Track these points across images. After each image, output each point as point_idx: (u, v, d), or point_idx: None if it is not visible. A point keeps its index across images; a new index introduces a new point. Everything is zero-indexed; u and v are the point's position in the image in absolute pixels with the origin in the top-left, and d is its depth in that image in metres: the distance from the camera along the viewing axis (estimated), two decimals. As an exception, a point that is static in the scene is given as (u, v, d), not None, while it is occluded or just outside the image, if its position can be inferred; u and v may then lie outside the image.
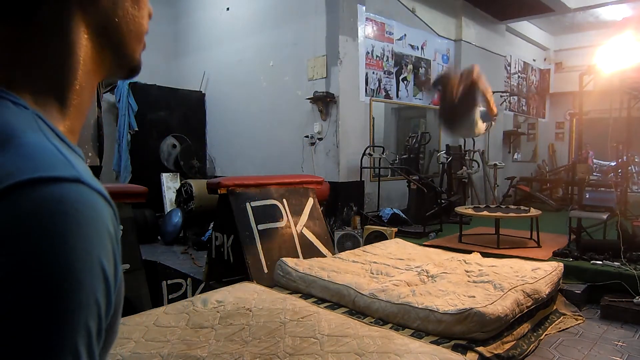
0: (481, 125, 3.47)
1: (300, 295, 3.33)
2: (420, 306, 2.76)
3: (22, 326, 0.30)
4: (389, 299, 2.90)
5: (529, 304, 3.01)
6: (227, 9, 7.50)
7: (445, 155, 6.84)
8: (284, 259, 3.64)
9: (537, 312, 3.20)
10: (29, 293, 0.30)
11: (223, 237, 4.05)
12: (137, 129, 6.76)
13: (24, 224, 0.32)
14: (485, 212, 4.99)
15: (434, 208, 5.96)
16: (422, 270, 3.62)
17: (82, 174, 0.36)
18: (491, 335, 2.65)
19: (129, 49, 0.49)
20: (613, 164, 8.56)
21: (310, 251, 4.25)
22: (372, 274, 3.52)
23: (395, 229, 5.00)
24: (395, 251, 4.20)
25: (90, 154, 3.94)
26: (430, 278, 3.38)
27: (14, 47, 0.42)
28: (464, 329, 2.60)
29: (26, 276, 0.30)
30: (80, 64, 0.44)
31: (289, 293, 3.33)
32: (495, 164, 7.75)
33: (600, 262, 3.94)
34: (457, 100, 3.06)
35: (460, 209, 5.22)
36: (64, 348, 0.31)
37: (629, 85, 6.87)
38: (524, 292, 3.02)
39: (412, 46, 7.05)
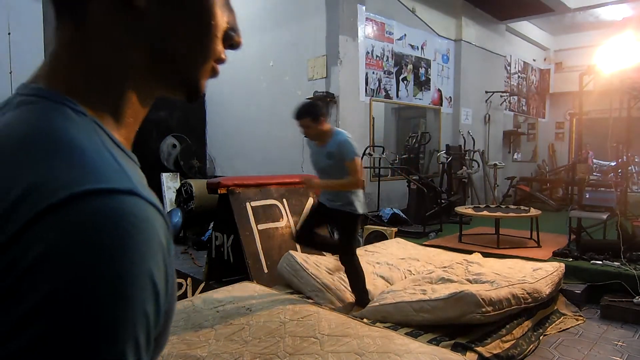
0: None
1: (300, 295, 3.33)
2: (414, 299, 2.79)
3: (72, 339, 0.30)
4: (385, 301, 2.90)
5: (528, 300, 3.02)
6: None
7: (445, 155, 6.84)
8: (292, 252, 3.61)
9: (538, 311, 3.20)
10: (80, 307, 0.31)
11: (223, 237, 4.05)
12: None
13: (76, 237, 0.32)
14: (485, 212, 4.99)
15: (434, 208, 5.96)
16: (422, 270, 3.63)
17: (137, 185, 0.36)
18: (489, 320, 2.65)
19: (183, 70, 0.47)
20: (613, 164, 8.56)
21: (310, 251, 4.25)
22: (373, 274, 3.51)
23: (395, 229, 5.00)
24: (396, 251, 4.20)
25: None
26: (430, 278, 3.38)
27: (71, 52, 0.42)
28: (458, 312, 2.61)
29: (77, 290, 0.31)
30: (131, 75, 0.44)
31: (289, 292, 3.33)
32: (495, 164, 7.75)
33: (600, 262, 3.94)
34: None
35: (460, 209, 5.22)
36: None
37: (629, 85, 6.87)
38: (522, 288, 3.02)
39: (412, 46, 7.05)
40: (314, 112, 2.96)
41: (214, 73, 0.50)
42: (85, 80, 0.42)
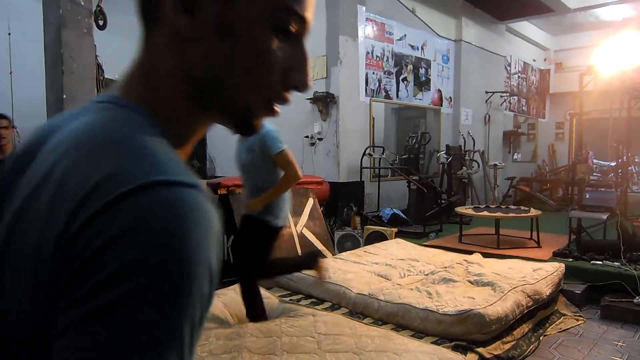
0: None
1: (300, 295, 3.33)
2: (420, 306, 2.76)
3: (142, 310, 0.34)
4: (388, 299, 2.90)
5: (530, 304, 3.01)
6: None
7: (445, 156, 6.84)
8: None
9: (538, 312, 3.20)
10: (151, 283, 0.34)
11: (223, 237, 4.04)
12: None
13: (148, 221, 0.36)
14: (485, 212, 4.99)
15: (434, 208, 5.95)
16: (423, 270, 3.62)
17: (198, 182, 0.41)
18: (490, 336, 2.65)
19: (227, 99, 0.49)
20: (613, 164, 8.55)
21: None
22: (373, 274, 3.51)
23: (395, 229, 5.00)
24: (396, 251, 4.20)
25: (90, 154, 3.94)
26: (430, 279, 3.37)
27: (142, 71, 0.49)
28: (463, 330, 2.60)
29: (148, 269, 0.34)
30: (184, 99, 0.48)
31: (288, 294, 3.33)
32: (495, 164, 7.75)
33: (600, 262, 3.94)
34: None
35: (460, 209, 5.22)
36: (175, 333, 0.35)
37: (629, 86, 6.87)
38: (524, 292, 3.02)
39: (412, 46, 7.05)
40: None
41: (270, 111, 0.51)
42: (153, 96, 0.47)
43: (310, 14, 0.50)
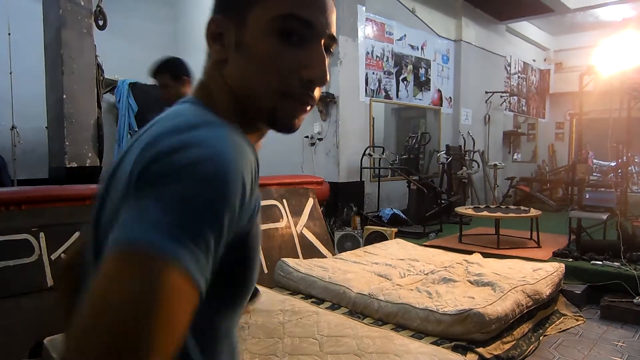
0: None
1: (300, 295, 3.33)
2: (420, 306, 2.76)
3: (193, 195, 0.45)
4: (389, 299, 2.90)
5: (529, 304, 3.01)
6: None
7: (445, 156, 6.84)
8: (284, 259, 3.64)
9: (538, 312, 3.20)
10: (199, 174, 0.46)
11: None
12: (137, 129, 6.75)
13: (190, 143, 0.48)
14: (485, 213, 4.99)
15: (434, 208, 5.95)
16: (422, 270, 3.62)
17: (241, 135, 0.54)
18: (490, 336, 2.65)
19: (254, 102, 0.59)
20: (613, 164, 8.55)
21: (310, 251, 4.26)
22: (373, 274, 3.51)
23: (395, 229, 5.00)
24: (396, 251, 4.20)
25: (90, 154, 3.93)
26: (430, 279, 3.37)
27: (205, 80, 0.65)
28: (463, 330, 2.60)
29: (198, 166, 0.46)
30: (227, 106, 0.61)
31: (289, 293, 3.33)
32: (495, 164, 7.75)
33: (600, 263, 3.94)
34: None
35: (460, 209, 5.22)
36: (206, 221, 0.45)
37: (629, 86, 6.87)
38: (524, 292, 3.02)
39: (412, 46, 7.05)
40: (175, 69, 2.40)
41: (297, 108, 0.60)
42: (209, 99, 0.61)
43: (317, 17, 0.58)
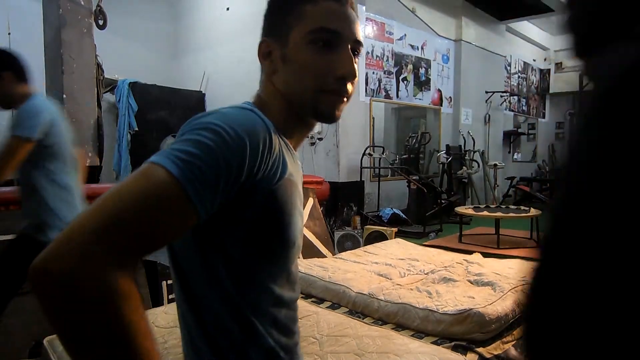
0: None
1: (300, 295, 3.33)
2: (420, 306, 2.76)
3: (198, 138, 0.60)
4: (388, 298, 2.90)
5: (529, 304, 3.01)
6: (227, 9, 7.49)
7: (445, 155, 6.84)
8: None
9: (537, 312, 3.19)
10: (213, 127, 0.61)
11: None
12: (137, 129, 6.75)
13: (222, 113, 0.66)
14: (485, 212, 4.99)
15: (434, 208, 5.96)
16: (423, 270, 3.63)
17: (260, 113, 0.69)
18: (490, 336, 2.65)
19: (298, 99, 0.74)
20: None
21: (310, 251, 4.26)
22: (373, 274, 3.51)
23: (395, 229, 5.00)
24: (396, 251, 4.20)
25: (90, 154, 3.93)
26: (430, 278, 3.38)
27: (262, 86, 0.82)
28: (463, 330, 2.60)
29: (214, 123, 0.62)
30: (279, 109, 0.77)
31: (288, 293, 3.32)
32: (495, 164, 7.75)
33: (600, 262, 3.93)
34: None
35: (460, 209, 5.22)
36: (210, 159, 0.59)
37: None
38: (524, 292, 3.01)
39: (412, 46, 7.05)
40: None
41: (335, 100, 0.75)
42: (264, 105, 0.76)
43: (343, 27, 0.72)
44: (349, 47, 0.73)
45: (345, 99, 0.76)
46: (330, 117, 0.75)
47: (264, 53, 0.77)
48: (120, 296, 0.50)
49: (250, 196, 0.64)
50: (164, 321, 2.40)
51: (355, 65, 0.74)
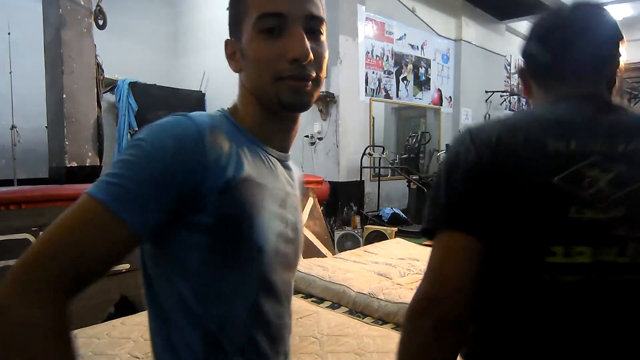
0: None
1: (300, 295, 3.33)
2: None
3: (124, 157, 0.61)
4: (389, 298, 2.90)
5: (529, 303, 3.01)
6: (227, 9, 7.49)
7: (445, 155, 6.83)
8: None
9: (537, 311, 3.19)
10: (140, 145, 0.61)
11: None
12: (137, 129, 6.75)
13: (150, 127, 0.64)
14: (485, 212, 4.98)
15: (434, 208, 5.94)
16: (423, 270, 3.62)
17: (201, 119, 0.65)
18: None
19: (259, 89, 0.71)
20: (613, 163, 8.54)
21: (310, 251, 4.26)
22: (374, 274, 3.52)
23: (395, 229, 5.00)
24: (396, 251, 4.20)
25: (90, 154, 3.93)
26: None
27: (238, 92, 0.81)
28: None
29: (140, 140, 0.62)
30: (246, 104, 0.75)
31: (289, 293, 3.33)
32: (495, 164, 7.74)
33: (600, 262, 3.93)
34: None
35: (460, 209, 5.21)
36: (134, 173, 0.59)
37: (628, 85, 6.87)
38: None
39: (412, 46, 7.05)
40: None
41: (293, 85, 0.68)
42: (236, 106, 0.78)
43: (285, 7, 0.66)
44: (300, 26, 0.66)
45: (309, 82, 0.68)
46: (295, 105, 0.70)
47: (229, 54, 0.74)
48: (42, 332, 0.50)
49: (195, 200, 0.61)
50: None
51: (311, 44, 0.67)
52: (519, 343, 0.71)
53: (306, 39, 0.66)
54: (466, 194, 0.71)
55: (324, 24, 0.70)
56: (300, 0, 0.67)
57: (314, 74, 0.68)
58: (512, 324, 0.72)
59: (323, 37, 0.71)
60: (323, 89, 5.91)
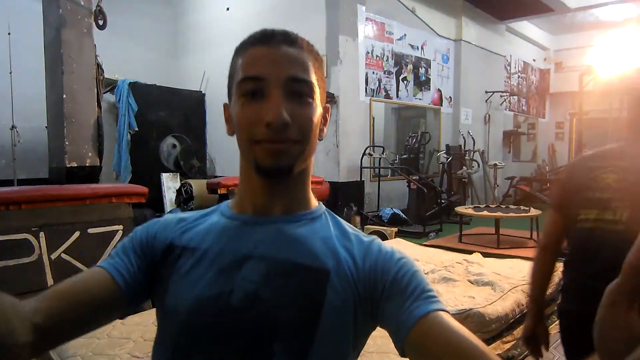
0: None
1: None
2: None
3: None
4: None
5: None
6: (227, 9, 7.50)
7: (445, 155, 6.84)
8: None
9: (537, 312, 3.19)
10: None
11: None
12: (137, 129, 6.75)
13: None
14: (485, 212, 4.99)
15: (434, 208, 5.96)
16: (423, 270, 3.62)
17: (177, 213, 0.79)
18: (490, 335, 2.65)
19: (248, 159, 0.69)
20: (613, 164, 8.54)
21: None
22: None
23: (395, 229, 5.00)
24: (395, 251, 4.19)
25: (90, 154, 3.93)
26: (430, 278, 3.38)
27: None
28: (463, 329, 2.60)
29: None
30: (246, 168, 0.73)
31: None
32: (495, 164, 7.75)
33: (600, 262, 3.95)
34: None
35: (460, 209, 5.21)
36: (119, 246, 0.72)
37: (629, 85, 6.87)
38: (524, 292, 3.02)
39: (412, 46, 7.05)
40: None
41: (268, 149, 0.66)
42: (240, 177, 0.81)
43: (265, 70, 0.65)
44: (280, 90, 0.64)
45: (282, 145, 0.65)
46: (268, 168, 0.66)
47: (226, 118, 0.74)
48: None
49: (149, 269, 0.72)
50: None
51: (292, 107, 0.65)
52: (574, 254, 1.63)
53: (283, 103, 0.64)
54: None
55: (314, 86, 0.67)
56: (283, 63, 0.66)
57: (294, 137, 0.65)
58: (571, 246, 1.64)
59: (312, 100, 0.67)
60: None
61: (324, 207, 0.79)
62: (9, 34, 4.80)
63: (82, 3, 3.79)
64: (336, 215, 0.80)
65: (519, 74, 10.34)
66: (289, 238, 0.69)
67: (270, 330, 0.63)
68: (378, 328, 0.73)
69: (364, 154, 5.92)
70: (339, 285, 0.65)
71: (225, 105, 0.74)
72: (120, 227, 3.11)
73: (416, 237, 5.23)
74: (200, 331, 0.64)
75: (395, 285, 0.64)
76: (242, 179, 0.74)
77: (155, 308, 0.72)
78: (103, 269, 0.67)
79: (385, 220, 5.63)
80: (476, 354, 0.57)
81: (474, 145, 7.91)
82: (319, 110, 0.69)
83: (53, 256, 2.79)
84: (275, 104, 0.64)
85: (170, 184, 7.05)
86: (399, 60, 6.81)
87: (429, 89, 7.42)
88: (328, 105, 0.76)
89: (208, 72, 7.82)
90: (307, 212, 0.74)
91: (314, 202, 0.77)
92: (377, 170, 6.30)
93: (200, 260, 0.68)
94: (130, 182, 6.37)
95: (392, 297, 0.64)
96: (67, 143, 3.72)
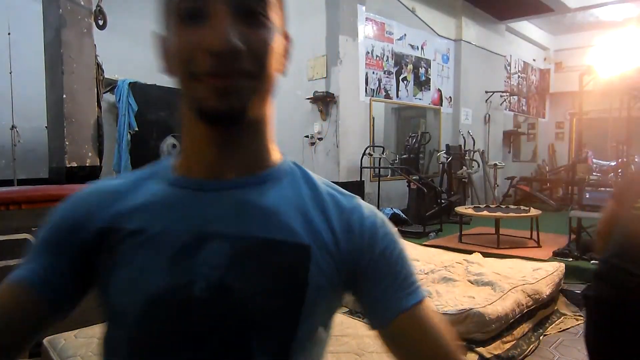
0: None
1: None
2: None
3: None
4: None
5: (530, 304, 3.01)
6: None
7: (445, 155, 6.84)
8: None
9: (538, 312, 3.20)
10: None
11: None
12: (137, 129, 6.75)
13: None
14: (485, 212, 4.99)
15: (434, 208, 5.95)
16: (423, 270, 3.62)
17: (97, 183, 0.63)
18: (490, 336, 2.65)
19: (187, 96, 0.54)
20: (613, 163, 8.55)
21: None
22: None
23: (395, 229, 4.99)
24: (395, 251, 4.20)
25: (90, 154, 3.93)
26: (430, 278, 3.38)
27: None
28: (463, 330, 2.60)
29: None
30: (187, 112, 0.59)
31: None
32: (495, 164, 7.75)
33: (600, 262, 3.95)
34: None
35: (460, 209, 5.22)
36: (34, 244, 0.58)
37: (629, 85, 6.87)
38: (524, 292, 3.02)
39: (412, 46, 7.05)
40: None
41: (211, 84, 0.50)
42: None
43: None
44: (226, 8, 0.49)
45: (232, 79, 0.50)
46: (213, 111, 0.50)
47: (159, 52, 0.57)
48: None
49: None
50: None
51: (244, 29, 0.50)
52: (619, 241, 1.60)
53: (230, 24, 0.49)
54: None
55: (269, 3, 0.52)
56: None
57: (247, 68, 0.50)
58: (619, 233, 1.60)
59: (268, 20, 0.52)
60: (323, 89, 5.92)
61: (289, 160, 0.62)
62: (9, 34, 4.80)
63: (82, 3, 3.79)
64: (305, 169, 0.63)
65: (519, 74, 10.34)
66: (254, 208, 0.54)
67: (244, 325, 0.51)
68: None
69: (364, 154, 5.92)
70: (322, 261, 0.54)
71: (155, 36, 0.56)
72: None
73: (416, 237, 5.23)
74: (158, 337, 0.51)
75: (380, 265, 0.60)
76: (185, 131, 0.58)
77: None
78: (20, 281, 0.53)
79: (385, 220, 5.62)
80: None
81: (474, 145, 7.91)
82: (278, 36, 0.54)
83: (53, 256, 2.78)
84: (219, 25, 0.49)
85: (170, 184, 7.04)
86: (399, 60, 6.81)
87: (429, 89, 7.42)
88: (290, 35, 0.61)
89: (208, 72, 7.81)
90: (271, 171, 0.58)
91: (277, 154, 0.60)
92: (377, 170, 6.30)
93: (145, 244, 0.53)
94: (130, 182, 6.35)
95: (375, 277, 0.59)
96: (67, 143, 3.73)
